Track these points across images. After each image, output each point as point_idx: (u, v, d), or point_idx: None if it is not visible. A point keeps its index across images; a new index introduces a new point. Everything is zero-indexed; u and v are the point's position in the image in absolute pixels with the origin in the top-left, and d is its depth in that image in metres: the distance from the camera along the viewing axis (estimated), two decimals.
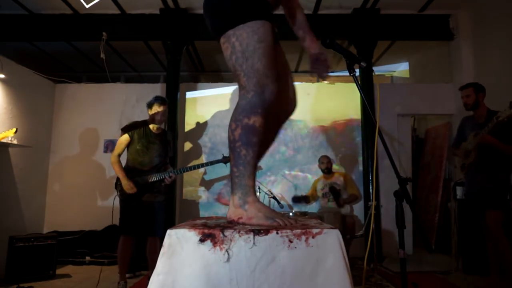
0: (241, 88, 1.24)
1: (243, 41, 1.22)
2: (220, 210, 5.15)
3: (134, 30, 5.01)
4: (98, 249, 4.50)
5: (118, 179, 3.22)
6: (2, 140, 3.32)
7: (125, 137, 3.22)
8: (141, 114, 4.84)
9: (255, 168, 1.25)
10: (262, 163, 5.00)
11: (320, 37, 1.45)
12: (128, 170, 3.19)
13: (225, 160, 3.74)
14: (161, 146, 3.34)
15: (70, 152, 5.25)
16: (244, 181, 1.22)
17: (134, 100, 5.32)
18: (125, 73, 6.70)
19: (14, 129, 3.03)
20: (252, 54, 1.22)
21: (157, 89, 5.32)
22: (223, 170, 5.06)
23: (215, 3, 1.32)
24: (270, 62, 1.23)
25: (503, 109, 2.78)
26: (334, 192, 4.30)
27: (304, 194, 4.73)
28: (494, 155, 2.96)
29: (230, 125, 1.24)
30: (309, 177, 5.13)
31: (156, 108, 3.26)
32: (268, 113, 1.23)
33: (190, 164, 4.70)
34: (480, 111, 3.10)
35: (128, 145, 3.26)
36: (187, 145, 5.37)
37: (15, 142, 4.26)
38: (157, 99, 3.30)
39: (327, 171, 4.49)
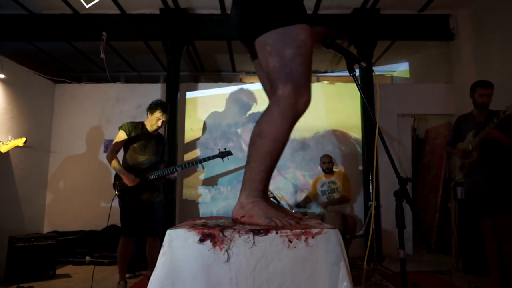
0: (274, 94, 1.19)
1: (282, 46, 1.16)
2: (219, 211, 5.16)
3: (134, 30, 5.01)
4: (98, 249, 4.50)
5: (115, 178, 3.21)
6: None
7: (123, 134, 3.20)
8: (141, 114, 4.85)
9: (269, 174, 1.23)
10: None
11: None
12: (126, 169, 3.17)
13: (221, 155, 3.75)
14: (158, 145, 3.35)
15: (70, 152, 5.25)
16: (255, 184, 1.21)
17: (134, 100, 5.32)
18: (125, 73, 6.70)
19: (24, 139, 3.05)
20: (290, 61, 1.16)
21: (157, 89, 5.32)
22: (221, 167, 5.07)
23: (251, 2, 1.23)
24: (308, 71, 1.18)
25: (506, 105, 2.76)
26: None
27: (302, 198, 4.75)
28: (498, 153, 2.93)
29: (256, 128, 1.20)
30: (309, 177, 5.14)
31: (158, 115, 3.24)
32: (295, 123, 1.20)
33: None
34: (484, 111, 3.10)
35: (125, 144, 3.24)
36: (187, 145, 5.37)
37: (9, 139, 4.27)
38: (159, 106, 3.24)
39: (328, 171, 4.49)
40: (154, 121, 3.26)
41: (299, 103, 1.17)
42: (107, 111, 5.31)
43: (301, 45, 1.17)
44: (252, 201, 1.21)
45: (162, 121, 3.28)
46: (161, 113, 3.24)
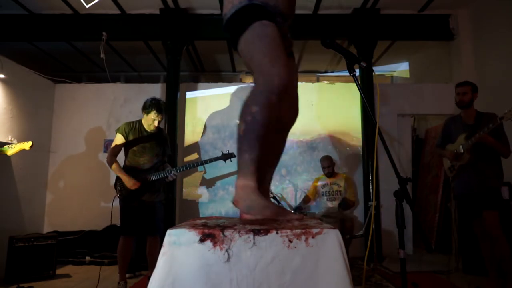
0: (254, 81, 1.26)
1: (248, 42, 1.29)
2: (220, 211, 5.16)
3: (134, 30, 5.01)
4: (98, 249, 4.50)
5: (117, 179, 3.21)
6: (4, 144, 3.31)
7: (120, 137, 3.18)
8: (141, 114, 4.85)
9: (255, 155, 1.23)
10: None
11: (320, 37, 1.45)
12: (127, 171, 3.16)
13: (224, 157, 3.72)
14: (158, 145, 3.30)
15: (70, 152, 5.25)
16: (243, 168, 1.24)
17: (134, 100, 5.31)
18: (125, 73, 6.71)
19: (30, 143, 3.04)
20: (256, 50, 1.25)
21: (157, 89, 5.32)
22: (224, 168, 5.06)
23: (227, 20, 1.38)
24: (274, 52, 1.23)
25: (503, 111, 2.76)
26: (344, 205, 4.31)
27: (300, 202, 4.73)
28: (488, 157, 2.94)
29: (239, 121, 1.25)
30: (310, 178, 5.13)
31: (153, 116, 3.18)
32: (277, 103, 1.20)
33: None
34: (470, 112, 3.09)
35: (125, 146, 3.23)
36: (187, 145, 5.37)
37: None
38: (154, 107, 3.16)
39: (329, 175, 4.47)
40: (150, 122, 3.22)
41: (275, 81, 1.18)
42: (109, 111, 5.31)
43: (261, 34, 1.27)
44: (241, 184, 1.23)
45: (158, 121, 3.23)
46: (156, 114, 3.17)
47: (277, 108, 1.22)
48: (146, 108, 3.21)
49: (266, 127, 1.20)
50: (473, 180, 3.01)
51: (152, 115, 3.18)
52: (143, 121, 3.29)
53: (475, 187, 2.99)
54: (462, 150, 3.03)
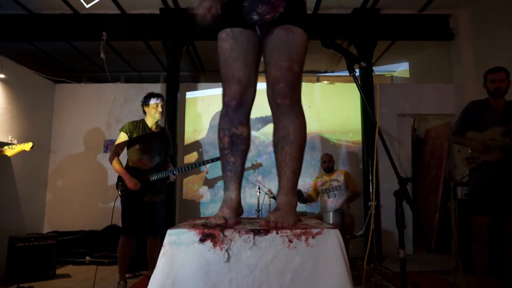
0: None
1: None
2: None
3: (134, 30, 5.01)
4: (98, 249, 4.50)
5: (119, 179, 3.20)
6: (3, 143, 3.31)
7: (124, 136, 3.17)
8: (142, 114, 4.85)
9: (241, 172, 1.46)
10: (266, 163, 5.02)
11: (320, 37, 1.45)
12: (129, 170, 3.15)
13: None
14: (161, 144, 3.29)
15: (70, 152, 5.25)
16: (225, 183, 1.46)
17: (134, 100, 5.31)
18: (125, 73, 6.70)
19: (31, 144, 3.04)
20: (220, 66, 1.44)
21: (157, 89, 5.31)
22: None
23: None
24: (226, 72, 1.47)
25: None
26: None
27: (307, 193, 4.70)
28: None
29: (218, 133, 1.48)
30: (310, 178, 5.13)
31: (154, 104, 3.18)
32: (228, 116, 1.45)
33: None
34: (501, 101, 2.84)
35: (128, 145, 3.22)
36: (188, 145, 5.37)
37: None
38: (151, 95, 3.21)
39: (328, 169, 4.48)
40: (153, 112, 3.20)
41: (225, 100, 1.48)
42: (109, 111, 5.30)
43: (219, 51, 1.49)
44: (224, 199, 1.46)
45: (161, 106, 3.21)
46: (156, 99, 3.19)
47: (234, 130, 1.48)
48: (145, 99, 3.24)
49: (228, 145, 1.46)
50: (496, 175, 2.73)
51: (153, 103, 3.19)
52: (146, 119, 3.28)
53: (500, 181, 2.71)
54: (493, 147, 2.73)
